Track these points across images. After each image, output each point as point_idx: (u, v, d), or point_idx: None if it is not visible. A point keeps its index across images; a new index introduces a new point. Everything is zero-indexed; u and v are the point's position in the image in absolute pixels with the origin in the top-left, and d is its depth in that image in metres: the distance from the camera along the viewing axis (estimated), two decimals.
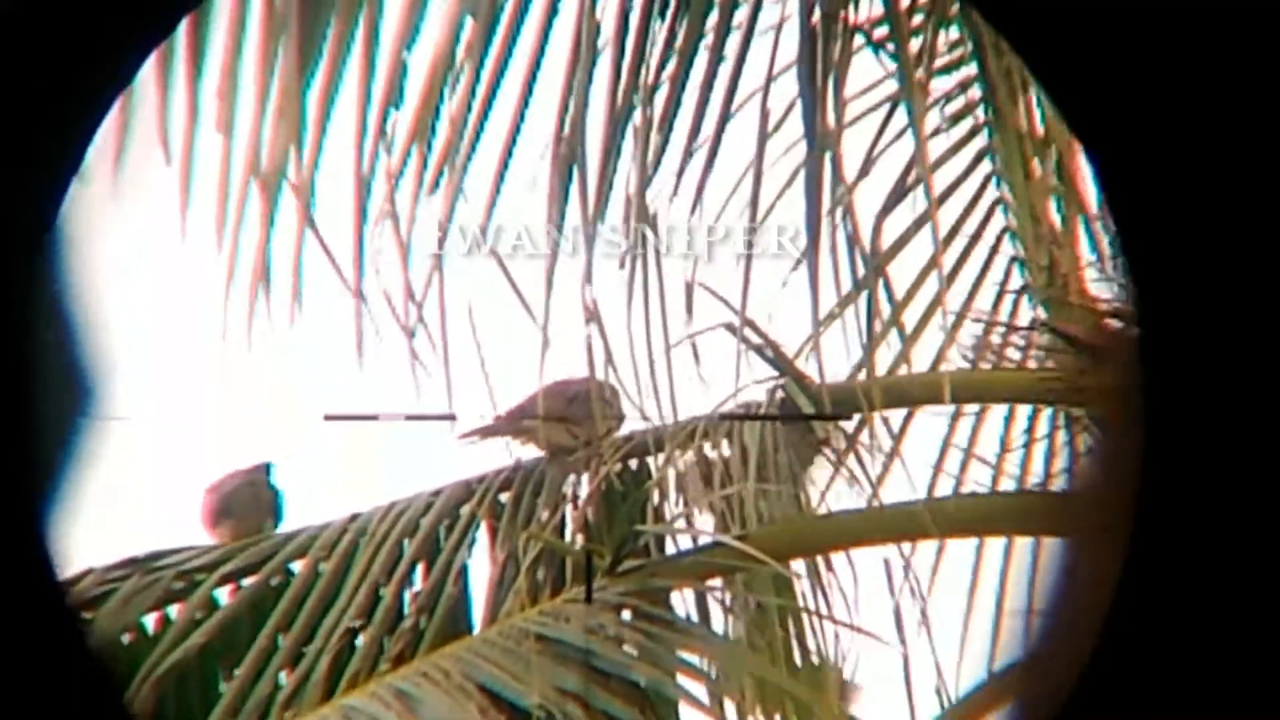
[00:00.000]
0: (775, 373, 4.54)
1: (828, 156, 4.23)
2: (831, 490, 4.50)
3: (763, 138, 4.30)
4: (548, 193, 4.05)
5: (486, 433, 4.49)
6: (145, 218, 4.01)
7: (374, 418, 4.18)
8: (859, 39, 4.29)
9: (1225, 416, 1.70)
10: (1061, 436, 4.39)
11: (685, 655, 4.23)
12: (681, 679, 4.21)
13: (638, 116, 4.08)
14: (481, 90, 4.04)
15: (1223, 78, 1.68)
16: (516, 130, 4.06)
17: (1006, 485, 4.43)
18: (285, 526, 4.64)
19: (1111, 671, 1.71)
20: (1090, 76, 1.72)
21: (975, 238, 4.58)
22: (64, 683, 1.84)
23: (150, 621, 4.42)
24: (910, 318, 4.59)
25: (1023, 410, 4.55)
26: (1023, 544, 4.37)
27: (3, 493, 1.80)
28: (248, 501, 4.60)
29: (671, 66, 4.12)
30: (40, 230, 1.81)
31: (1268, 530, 1.69)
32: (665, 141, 4.10)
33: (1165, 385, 1.69)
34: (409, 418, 4.15)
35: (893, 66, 4.34)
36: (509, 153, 4.07)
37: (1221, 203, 1.70)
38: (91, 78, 1.82)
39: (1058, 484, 4.34)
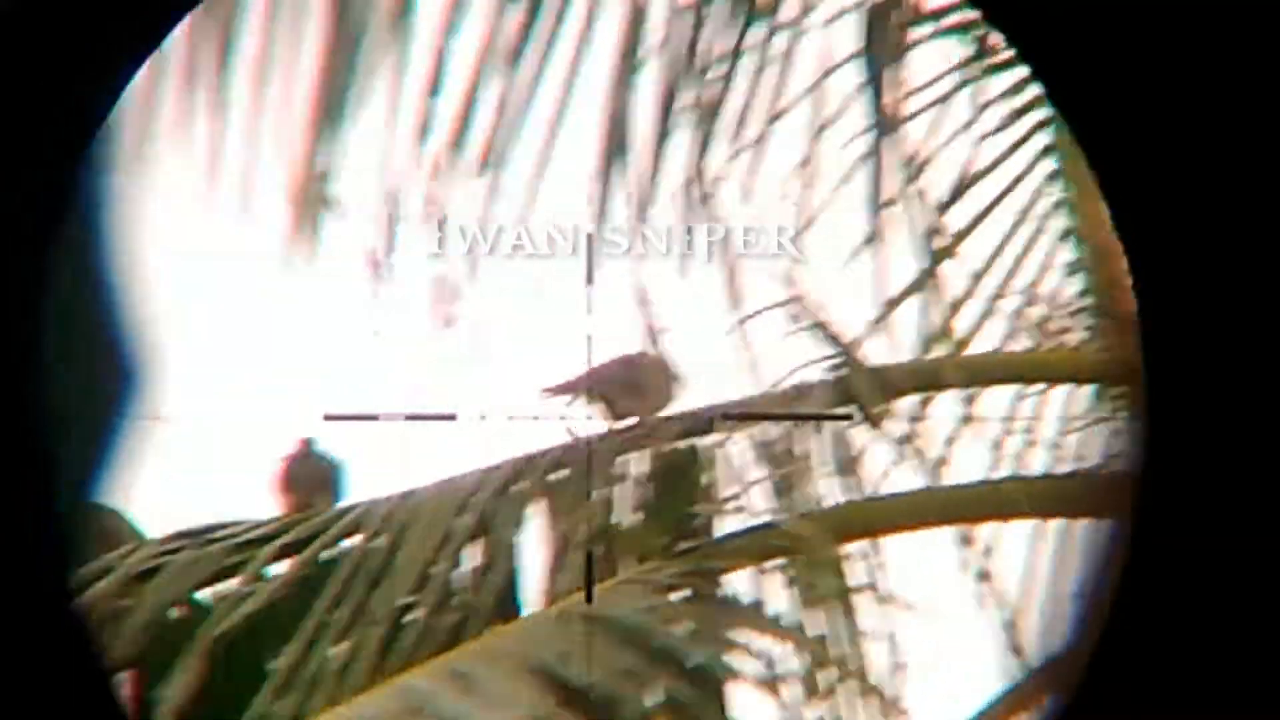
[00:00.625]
0: (833, 355, 4.52)
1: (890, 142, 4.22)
2: (889, 472, 4.49)
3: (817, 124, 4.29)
4: (592, 181, 4.03)
5: (562, 390, 4.47)
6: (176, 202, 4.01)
7: (374, 418, 4.17)
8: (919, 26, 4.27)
9: (1226, 417, 1.69)
10: (1120, 418, 4.37)
11: (739, 635, 4.22)
12: (735, 658, 4.21)
13: (688, 101, 4.06)
14: (524, 82, 4.01)
15: (1223, 82, 1.67)
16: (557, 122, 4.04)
17: (1063, 467, 4.40)
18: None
19: (1112, 672, 1.70)
20: (1091, 77, 1.71)
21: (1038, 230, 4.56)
22: (68, 683, 1.82)
23: (202, 596, 4.42)
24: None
25: (1080, 392, 4.52)
26: (1073, 526, 4.35)
27: (13, 492, 1.79)
28: (303, 477, 4.60)
29: (723, 54, 4.10)
30: (46, 227, 1.79)
31: (1268, 530, 1.68)
32: (714, 129, 4.08)
33: (1167, 385, 1.68)
34: (408, 418, 4.13)
35: (951, 57, 4.32)
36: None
37: (1222, 204, 1.69)
38: (92, 76, 1.80)
39: (1114, 466, 4.32)
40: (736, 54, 4.09)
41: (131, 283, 1.90)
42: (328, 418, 4.22)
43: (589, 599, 4.13)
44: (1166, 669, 1.67)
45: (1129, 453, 4.10)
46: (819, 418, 4.44)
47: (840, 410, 4.44)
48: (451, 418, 4.14)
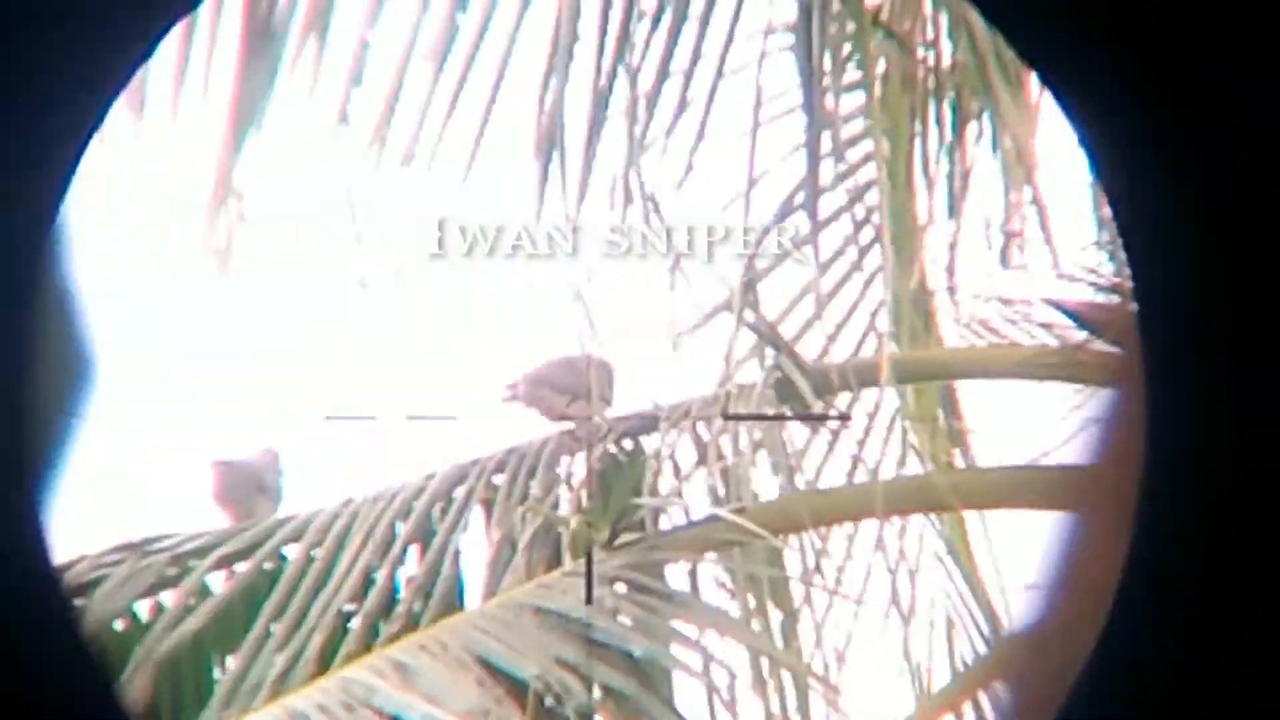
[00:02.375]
0: (771, 353, 4.53)
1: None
2: (827, 466, 4.49)
3: (756, 116, 4.31)
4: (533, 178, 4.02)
5: (509, 398, 4.49)
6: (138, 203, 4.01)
7: (374, 418, 4.17)
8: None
9: (1227, 411, 1.69)
10: (1061, 411, 4.38)
11: (681, 627, 4.20)
12: (678, 650, 4.18)
13: (624, 96, 4.07)
14: (455, 72, 4.00)
15: (1224, 75, 1.69)
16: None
17: (1007, 460, 4.40)
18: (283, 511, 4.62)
19: (1111, 672, 1.69)
20: (1087, 65, 1.72)
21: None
22: (58, 671, 1.82)
23: (143, 608, 4.39)
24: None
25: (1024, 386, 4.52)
26: (1024, 518, 4.34)
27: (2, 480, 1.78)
28: (243, 487, 4.59)
29: (659, 45, 4.11)
30: (40, 227, 1.80)
31: (1268, 527, 1.68)
32: (649, 122, 4.09)
33: (1166, 381, 1.68)
34: (408, 418, 4.14)
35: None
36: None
37: (1222, 192, 1.70)
38: (90, 76, 1.82)
39: (1059, 458, 4.32)
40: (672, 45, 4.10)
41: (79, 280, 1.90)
42: (328, 418, 4.22)
43: (589, 600, 4.11)
44: (1166, 670, 1.66)
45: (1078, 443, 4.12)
46: (818, 418, 4.45)
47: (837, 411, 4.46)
48: (451, 418, 4.14)
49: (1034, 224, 4.47)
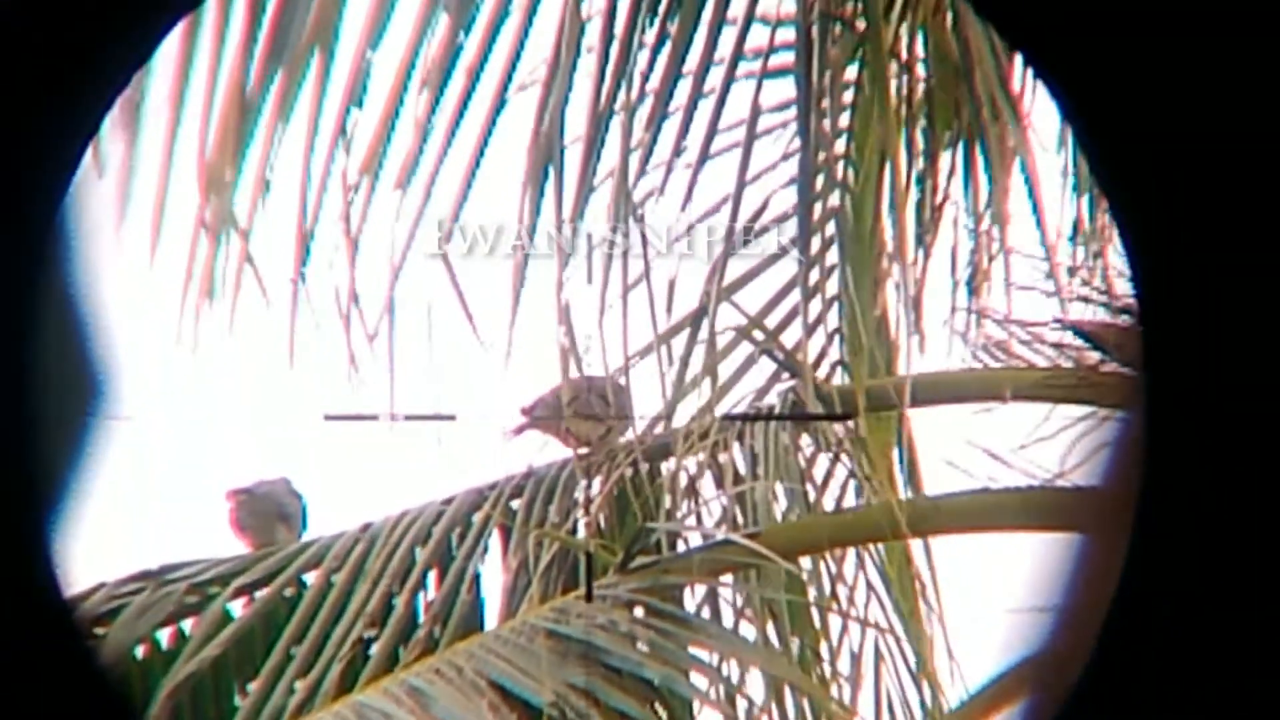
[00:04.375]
0: (786, 374, 4.54)
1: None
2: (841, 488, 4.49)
3: (750, 136, 4.32)
4: (523, 189, 4.00)
5: (522, 427, 4.50)
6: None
7: (374, 418, 4.17)
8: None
9: (1228, 415, 1.69)
10: (1074, 432, 4.37)
11: (697, 652, 4.21)
12: (693, 674, 4.19)
13: (622, 112, 4.06)
14: (458, 86, 3.99)
15: (1226, 75, 1.69)
16: (491, 127, 4.02)
17: (1018, 481, 4.39)
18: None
19: (1113, 673, 1.69)
20: (1091, 70, 1.72)
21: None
22: (71, 700, 1.83)
23: (164, 636, 4.41)
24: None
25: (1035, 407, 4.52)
26: (1035, 539, 4.34)
27: (7, 503, 1.79)
28: (259, 514, 4.61)
29: (662, 62, 4.10)
30: (42, 229, 1.81)
31: (1269, 530, 1.68)
32: (654, 138, 4.09)
33: (1168, 385, 1.68)
34: (409, 419, 4.13)
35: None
36: (481, 151, 4.02)
37: (1225, 201, 1.70)
38: (92, 74, 1.83)
39: (1070, 479, 4.31)
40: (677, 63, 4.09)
41: (95, 290, 1.91)
42: (328, 418, 4.22)
43: (589, 597, 4.11)
44: (1167, 670, 1.67)
45: (1089, 464, 4.11)
46: (818, 418, 4.45)
47: (838, 412, 4.45)
48: (451, 418, 4.14)
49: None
